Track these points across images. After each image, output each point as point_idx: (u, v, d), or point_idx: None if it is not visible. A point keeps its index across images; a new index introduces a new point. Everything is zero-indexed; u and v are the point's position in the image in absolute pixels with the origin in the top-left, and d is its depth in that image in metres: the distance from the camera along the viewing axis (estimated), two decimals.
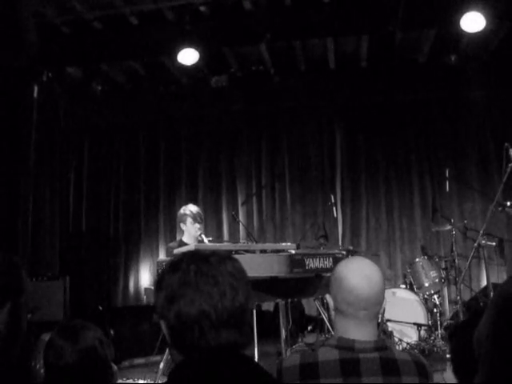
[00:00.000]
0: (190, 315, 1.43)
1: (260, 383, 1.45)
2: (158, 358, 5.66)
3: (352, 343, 2.00)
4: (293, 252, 4.33)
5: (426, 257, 6.90)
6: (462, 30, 6.43)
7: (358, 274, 2.06)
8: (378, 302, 2.06)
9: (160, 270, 4.37)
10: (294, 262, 4.12)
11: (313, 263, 4.24)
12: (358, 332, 2.03)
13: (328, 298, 2.15)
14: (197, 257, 1.52)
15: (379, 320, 2.18)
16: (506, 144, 5.34)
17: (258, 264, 4.00)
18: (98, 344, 2.27)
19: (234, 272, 1.47)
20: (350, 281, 2.05)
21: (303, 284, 4.47)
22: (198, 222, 5.79)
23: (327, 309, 5.98)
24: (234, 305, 1.43)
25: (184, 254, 1.56)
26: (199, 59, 6.89)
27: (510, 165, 5.28)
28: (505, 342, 1.19)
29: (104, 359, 2.29)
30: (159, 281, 1.54)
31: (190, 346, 1.45)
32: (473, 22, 6.30)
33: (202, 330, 1.42)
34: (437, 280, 6.68)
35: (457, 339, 1.93)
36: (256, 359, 4.72)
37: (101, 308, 7.97)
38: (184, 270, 1.48)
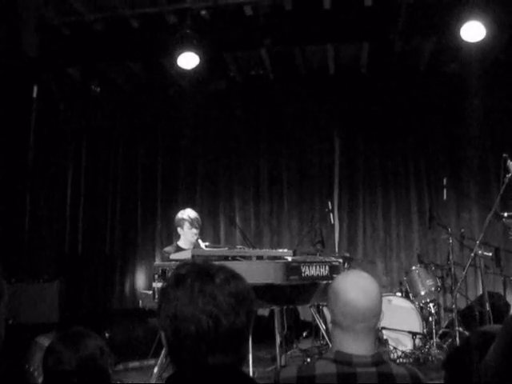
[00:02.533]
0: (188, 333, 1.42)
1: None
2: (152, 361, 5.64)
3: (350, 357, 2.00)
4: (289, 259, 4.33)
5: (422, 265, 6.90)
6: (462, 40, 6.44)
7: (355, 287, 2.06)
8: (375, 314, 2.05)
9: (160, 278, 4.37)
10: (291, 269, 4.12)
11: (309, 271, 4.24)
12: (356, 346, 2.03)
13: (325, 310, 2.16)
14: (203, 273, 1.50)
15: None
16: (505, 155, 5.33)
17: (255, 271, 4.00)
18: (98, 353, 2.26)
19: (237, 293, 1.46)
20: (346, 294, 2.05)
21: (299, 291, 4.47)
22: (195, 228, 5.78)
23: (323, 318, 5.98)
24: (234, 327, 1.43)
25: (190, 268, 1.54)
26: (199, 63, 6.89)
27: (507, 176, 5.27)
28: None
29: (103, 368, 2.28)
30: (163, 293, 1.53)
31: (186, 362, 1.45)
32: (473, 31, 6.32)
33: (198, 350, 1.42)
34: (433, 288, 6.67)
35: (451, 367, 1.92)
36: (251, 364, 4.71)
37: (96, 310, 7.97)
38: (188, 287, 1.47)
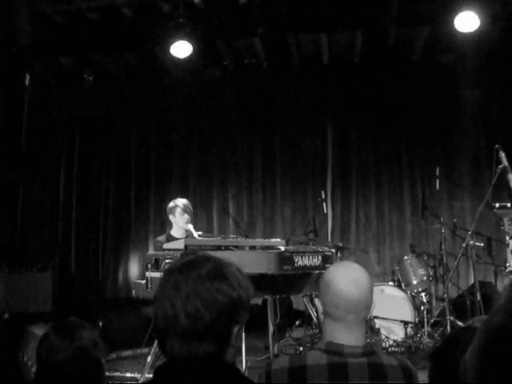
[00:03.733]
0: (157, 317, 1.50)
1: None
2: (145, 350, 5.66)
3: (341, 348, 2.01)
4: (282, 249, 4.35)
5: (414, 254, 6.93)
6: (455, 29, 6.44)
7: (346, 277, 2.07)
8: (366, 306, 2.07)
9: (153, 267, 4.39)
10: (283, 259, 4.14)
11: (301, 261, 4.26)
12: (347, 336, 2.04)
13: (317, 302, 2.17)
14: (187, 265, 1.54)
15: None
16: (497, 146, 5.36)
17: (248, 261, 4.01)
18: (91, 345, 2.28)
19: (203, 292, 1.48)
20: (338, 285, 2.06)
21: (292, 281, 4.49)
22: (187, 213, 5.81)
23: (315, 308, 6.01)
24: (191, 323, 1.45)
25: (184, 259, 1.60)
26: (192, 52, 6.87)
27: (500, 166, 5.30)
28: (494, 373, 1.17)
29: (97, 359, 2.29)
30: (161, 279, 1.59)
31: (166, 350, 1.51)
32: (467, 21, 6.32)
33: (172, 339, 1.47)
34: (425, 278, 6.71)
35: (437, 360, 1.93)
36: (243, 353, 4.74)
37: (90, 299, 7.98)
38: (168, 274, 1.54)
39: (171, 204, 5.90)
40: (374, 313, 6.05)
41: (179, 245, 4.44)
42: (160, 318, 1.48)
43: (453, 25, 6.36)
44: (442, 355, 1.85)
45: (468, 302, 6.73)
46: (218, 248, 4.39)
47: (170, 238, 5.64)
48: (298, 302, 7.92)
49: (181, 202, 5.87)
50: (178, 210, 5.81)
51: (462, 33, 6.52)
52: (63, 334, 2.27)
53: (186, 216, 5.81)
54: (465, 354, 1.28)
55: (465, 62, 8.08)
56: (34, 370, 2.39)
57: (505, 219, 5.54)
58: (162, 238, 5.90)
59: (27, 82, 7.72)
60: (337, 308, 2.05)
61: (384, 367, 2.01)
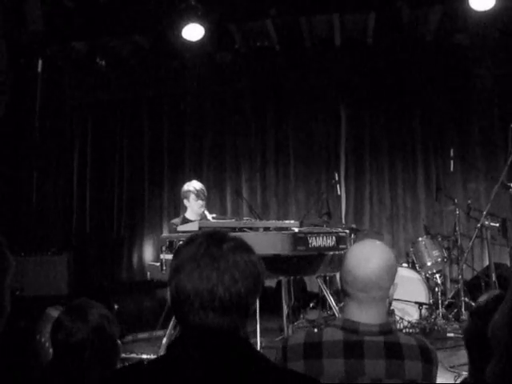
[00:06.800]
0: (185, 290, 1.46)
1: (249, 366, 1.45)
2: (161, 332, 5.71)
3: (357, 325, 2.01)
4: (296, 230, 4.35)
5: (428, 236, 6.91)
6: (470, 8, 6.35)
7: (358, 255, 2.07)
8: (378, 286, 2.03)
9: (168, 249, 4.40)
10: (298, 240, 4.14)
11: (316, 242, 4.26)
12: (362, 314, 2.03)
13: (337, 278, 2.18)
14: (214, 238, 1.53)
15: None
16: (511, 125, 5.31)
17: (262, 242, 4.02)
18: (105, 322, 2.29)
19: (241, 263, 1.47)
20: (350, 261, 2.07)
21: (306, 262, 4.49)
22: (201, 199, 5.82)
23: (329, 287, 6.02)
24: (229, 294, 1.44)
25: (205, 232, 1.58)
26: (204, 35, 6.84)
27: None
28: None
29: (112, 336, 2.32)
30: (176, 250, 1.57)
31: (182, 319, 1.49)
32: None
33: (191, 307, 1.45)
34: (439, 259, 6.69)
35: (476, 319, 1.93)
36: (258, 335, 4.76)
37: (105, 283, 8.04)
38: (196, 246, 1.50)
39: (185, 188, 5.90)
40: None
41: (193, 227, 4.45)
42: (188, 291, 1.45)
43: (467, 3, 6.26)
44: (482, 315, 1.85)
45: (483, 284, 6.72)
46: (233, 230, 4.39)
47: (185, 221, 5.66)
48: (312, 283, 7.95)
49: (194, 186, 5.86)
50: (192, 196, 5.83)
51: (476, 11, 6.41)
52: (75, 316, 2.28)
53: (200, 202, 5.83)
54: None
55: (479, 42, 7.98)
56: (51, 350, 2.40)
57: None
58: (176, 220, 5.92)
59: (39, 68, 7.73)
60: (348, 285, 2.06)
61: (401, 346, 1.99)
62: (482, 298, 2.03)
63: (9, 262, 1.80)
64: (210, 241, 1.51)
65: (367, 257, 2.05)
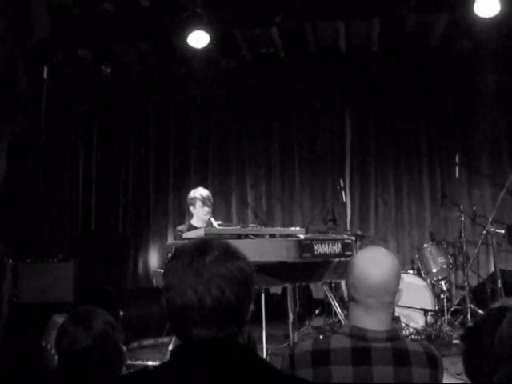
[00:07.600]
0: (175, 305, 1.48)
1: (251, 373, 1.46)
2: (166, 339, 5.73)
3: (364, 332, 2.01)
4: (302, 237, 4.35)
5: (434, 242, 6.90)
6: (475, 15, 6.34)
7: (368, 261, 2.07)
8: (388, 290, 2.05)
9: (169, 254, 4.40)
10: (303, 247, 4.13)
11: (321, 248, 4.25)
12: (370, 321, 2.04)
13: (343, 285, 2.19)
14: (198, 249, 1.53)
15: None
16: None
17: (267, 249, 4.01)
18: (110, 328, 2.30)
19: (225, 273, 1.47)
20: (359, 267, 2.07)
21: (311, 269, 4.48)
22: (207, 206, 5.82)
23: (335, 294, 6.01)
24: (219, 305, 1.45)
25: (190, 244, 1.58)
26: (209, 42, 6.86)
27: None
28: None
29: (116, 343, 2.32)
30: (164, 266, 1.60)
31: (179, 335, 1.52)
32: (487, 6, 6.21)
33: (184, 322, 1.47)
34: (444, 266, 6.68)
35: (470, 341, 1.93)
36: (264, 341, 4.77)
37: (110, 289, 8.04)
38: (181, 260, 1.51)
39: (191, 194, 5.91)
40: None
41: (199, 234, 4.45)
42: (180, 307, 1.47)
43: (472, 10, 6.25)
44: (476, 334, 1.84)
45: (488, 290, 6.70)
46: (238, 236, 4.38)
47: (191, 228, 5.67)
48: (318, 290, 7.93)
49: (200, 193, 5.86)
50: (198, 203, 5.83)
51: (481, 18, 6.40)
52: (79, 323, 2.28)
53: (207, 209, 5.83)
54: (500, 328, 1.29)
55: (484, 48, 7.97)
56: (56, 357, 2.41)
57: None
58: (182, 227, 5.93)
59: (45, 75, 7.76)
60: (356, 291, 2.06)
61: (408, 353, 2.00)
62: (471, 322, 2.04)
63: (5, 267, 1.80)
64: (193, 253, 1.51)
65: (376, 262, 2.06)
